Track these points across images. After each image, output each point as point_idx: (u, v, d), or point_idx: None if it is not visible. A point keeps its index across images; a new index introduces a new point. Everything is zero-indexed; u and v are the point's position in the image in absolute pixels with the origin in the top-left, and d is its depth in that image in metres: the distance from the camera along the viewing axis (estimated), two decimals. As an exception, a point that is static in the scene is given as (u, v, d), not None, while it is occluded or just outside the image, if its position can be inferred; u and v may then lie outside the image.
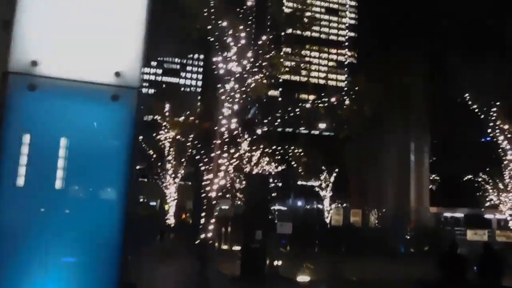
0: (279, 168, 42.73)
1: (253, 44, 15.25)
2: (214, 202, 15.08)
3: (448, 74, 21.45)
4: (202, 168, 15.93)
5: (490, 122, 14.85)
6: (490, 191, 32.47)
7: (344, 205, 41.10)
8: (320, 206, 43.43)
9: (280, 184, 43.69)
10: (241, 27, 14.37)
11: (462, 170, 38.42)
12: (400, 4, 43.14)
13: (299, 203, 50.06)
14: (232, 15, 14.53)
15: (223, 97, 14.65)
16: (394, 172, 30.16)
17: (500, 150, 14.93)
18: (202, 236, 14.85)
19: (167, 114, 30.92)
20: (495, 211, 34.33)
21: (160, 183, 33.33)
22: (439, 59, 25.84)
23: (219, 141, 14.84)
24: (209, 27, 14.05)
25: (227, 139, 14.94)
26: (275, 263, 15.42)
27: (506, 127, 14.49)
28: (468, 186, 38.54)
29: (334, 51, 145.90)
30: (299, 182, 48.47)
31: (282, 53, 20.70)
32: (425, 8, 33.13)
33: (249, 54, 14.94)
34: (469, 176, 36.52)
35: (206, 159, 15.68)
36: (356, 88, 20.29)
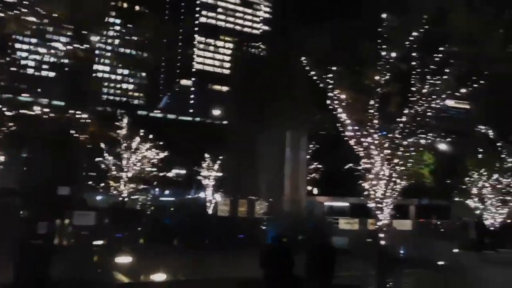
0: (161, 155, 40.08)
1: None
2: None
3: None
4: None
5: (329, 92, 13.17)
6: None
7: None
8: (202, 195, 41.20)
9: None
10: None
11: (345, 159, 38.35)
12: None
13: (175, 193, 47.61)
14: None
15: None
16: (270, 163, 28.95)
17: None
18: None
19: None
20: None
21: None
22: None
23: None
24: None
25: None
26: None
27: (343, 96, 12.89)
28: (351, 176, 38.44)
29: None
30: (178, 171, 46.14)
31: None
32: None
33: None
34: (350, 165, 36.35)
35: None
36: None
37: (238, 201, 29.79)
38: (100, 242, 16.92)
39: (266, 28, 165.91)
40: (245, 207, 34.33)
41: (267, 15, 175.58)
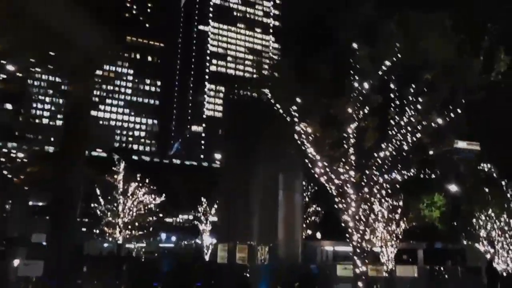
0: (158, 200, 39.32)
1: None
2: None
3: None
4: None
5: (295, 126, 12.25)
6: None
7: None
8: (198, 241, 39.81)
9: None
10: None
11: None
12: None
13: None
14: None
15: None
16: (263, 206, 27.69)
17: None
18: None
19: None
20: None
21: None
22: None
23: None
24: None
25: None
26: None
27: (309, 130, 11.95)
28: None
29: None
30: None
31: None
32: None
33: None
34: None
35: None
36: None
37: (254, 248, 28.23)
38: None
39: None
40: (245, 252, 32.85)
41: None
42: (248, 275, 22.93)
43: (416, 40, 11.95)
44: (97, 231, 38.26)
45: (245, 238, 28.66)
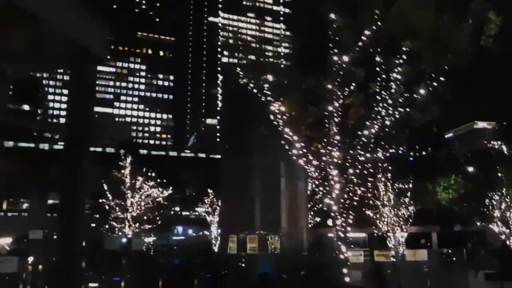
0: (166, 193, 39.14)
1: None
2: None
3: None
4: None
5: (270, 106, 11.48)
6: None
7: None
8: (207, 232, 39.48)
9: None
10: None
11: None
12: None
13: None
14: None
15: None
16: (265, 195, 27.08)
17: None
18: None
19: None
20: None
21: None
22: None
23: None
24: None
25: None
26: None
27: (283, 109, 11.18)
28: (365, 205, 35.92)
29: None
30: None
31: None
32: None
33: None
34: (359, 192, 33.92)
35: None
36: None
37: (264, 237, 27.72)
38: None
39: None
40: (255, 243, 32.34)
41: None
42: (243, 264, 22.37)
43: (395, 5, 11.00)
44: (107, 226, 38.25)
45: (249, 228, 28.19)
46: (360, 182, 12.28)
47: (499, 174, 25.70)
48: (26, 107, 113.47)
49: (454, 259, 26.31)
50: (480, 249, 35.48)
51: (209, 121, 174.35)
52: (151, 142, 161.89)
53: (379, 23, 11.57)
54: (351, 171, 12.17)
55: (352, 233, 39.33)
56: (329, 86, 11.98)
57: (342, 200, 12.16)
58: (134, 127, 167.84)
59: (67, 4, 11.10)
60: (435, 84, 10.57)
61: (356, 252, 29.37)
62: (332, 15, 12.09)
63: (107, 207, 37.64)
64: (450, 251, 28.55)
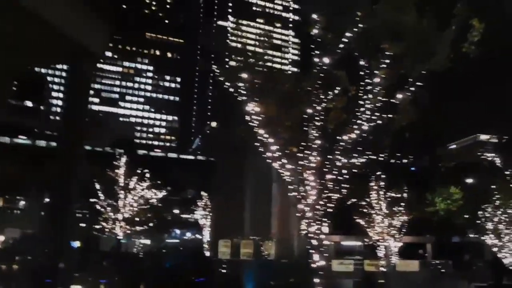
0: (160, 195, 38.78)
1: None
2: None
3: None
4: None
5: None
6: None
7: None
8: (199, 236, 39.15)
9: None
10: None
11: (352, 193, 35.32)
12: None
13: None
14: None
15: None
16: (256, 200, 26.73)
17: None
18: None
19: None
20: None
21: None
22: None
23: None
24: None
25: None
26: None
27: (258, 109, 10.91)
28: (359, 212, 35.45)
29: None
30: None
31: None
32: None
33: None
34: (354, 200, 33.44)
35: None
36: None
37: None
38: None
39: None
40: (250, 248, 31.87)
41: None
42: (228, 270, 22.04)
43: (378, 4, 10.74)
44: (97, 227, 37.98)
45: (239, 233, 27.86)
46: (338, 188, 11.96)
47: (492, 186, 25.29)
48: (28, 104, 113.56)
49: (442, 270, 25.86)
50: (477, 261, 34.91)
51: (214, 124, 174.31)
52: (155, 143, 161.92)
53: (361, 24, 11.31)
54: (328, 176, 11.87)
55: (345, 241, 38.82)
56: (309, 88, 11.74)
57: (317, 207, 11.85)
58: (139, 128, 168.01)
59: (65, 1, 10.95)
60: (412, 89, 10.27)
61: (346, 261, 29.02)
62: (315, 16, 11.84)
63: (98, 207, 37.36)
64: (438, 262, 28.07)
